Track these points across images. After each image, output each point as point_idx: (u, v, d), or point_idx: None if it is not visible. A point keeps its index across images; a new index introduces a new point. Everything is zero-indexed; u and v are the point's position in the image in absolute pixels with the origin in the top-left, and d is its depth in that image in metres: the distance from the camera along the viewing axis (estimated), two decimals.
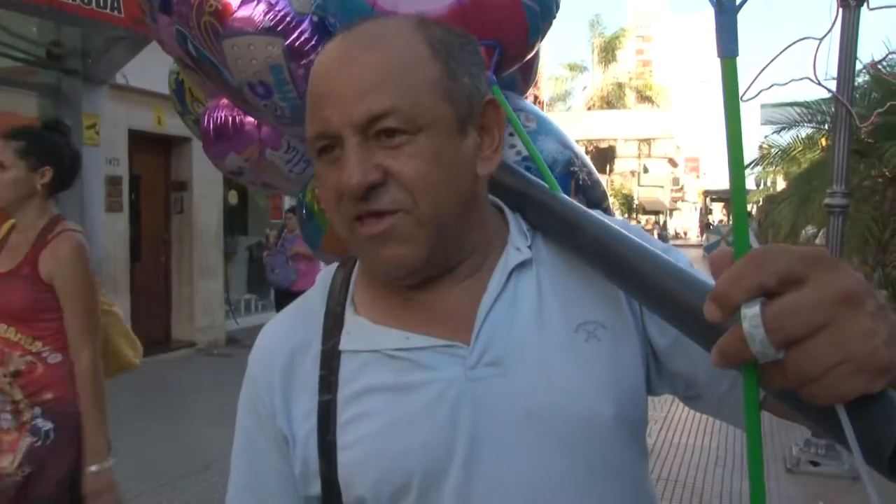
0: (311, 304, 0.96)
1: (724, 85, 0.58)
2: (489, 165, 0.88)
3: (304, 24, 1.74)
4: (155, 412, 6.76)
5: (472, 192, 0.87)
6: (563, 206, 0.93)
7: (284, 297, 7.90)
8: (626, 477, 0.87)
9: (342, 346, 0.89)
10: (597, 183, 1.85)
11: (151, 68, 8.29)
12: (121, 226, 8.48)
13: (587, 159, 1.90)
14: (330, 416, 0.87)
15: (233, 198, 10.80)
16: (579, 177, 1.80)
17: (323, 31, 1.76)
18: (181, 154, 9.63)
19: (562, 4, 1.71)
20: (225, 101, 2.13)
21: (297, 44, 1.75)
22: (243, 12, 1.71)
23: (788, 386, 0.53)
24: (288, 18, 1.72)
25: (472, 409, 0.82)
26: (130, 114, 8.52)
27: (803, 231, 7.62)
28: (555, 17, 1.55)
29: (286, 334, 0.95)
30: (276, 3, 1.72)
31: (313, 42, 1.77)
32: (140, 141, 8.85)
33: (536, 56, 1.87)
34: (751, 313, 0.51)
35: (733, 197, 0.58)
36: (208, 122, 2.23)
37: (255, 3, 1.71)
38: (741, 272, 0.53)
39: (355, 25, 0.87)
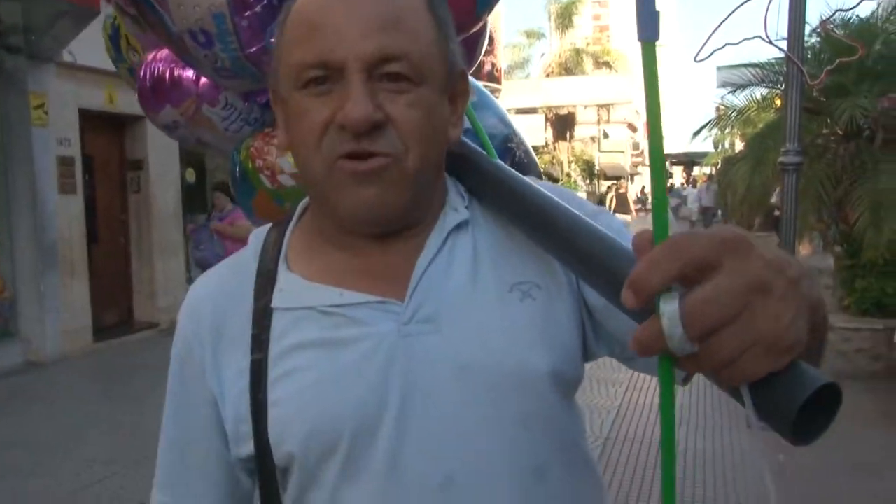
0: (243, 261, 0.94)
1: (645, 69, 0.57)
2: (456, 131, 0.90)
3: None
4: (119, 395, 6.69)
5: (444, 154, 0.89)
6: (497, 171, 0.94)
7: None
8: (560, 433, 0.88)
9: (274, 303, 0.87)
10: (533, 162, 1.90)
11: (100, 45, 8.04)
12: (75, 207, 8.31)
13: (524, 138, 1.92)
14: (261, 375, 0.85)
15: (190, 176, 10.64)
16: (516, 153, 1.82)
17: None
18: (135, 133, 9.43)
19: None
20: (163, 53, 2.09)
21: None
22: None
23: (701, 372, 0.56)
24: None
25: (405, 365, 0.82)
26: (80, 92, 8.31)
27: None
28: None
29: (217, 292, 0.93)
30: None
31: None
32: (92, 120, 8.66)
33: (483, 30, 1.86)
34: (669, 310, 0.52)
35: (652, 182, 0.57)
36: (145, 73, 2.16)
37: None
38: (658, 259, 0.53)
39: None
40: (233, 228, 7.49)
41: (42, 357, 7.79)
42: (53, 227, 7.92)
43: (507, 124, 1.80)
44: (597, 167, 37.38)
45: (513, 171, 0.94)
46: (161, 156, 9.53)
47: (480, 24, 1.58)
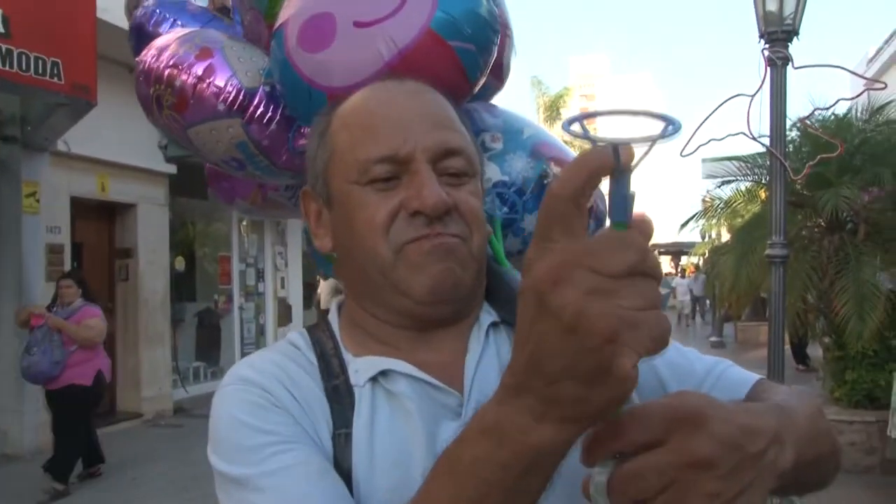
0: (292, 352, 0.92)
1: None
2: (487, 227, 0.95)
3: (258, 96, 1.81)
4: (99, 487, 6.48)
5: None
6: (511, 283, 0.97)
7: (48, 398, 6.33)
8: None
9: (353, 380, 0.87)
10: None
11: (94, 135, 8.22)
12: None
13: (567, 152, 1.85)
14: (347, 449, 0.83)
15: (179, 264, 10.63)
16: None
17: (277, 100, 1.81)
18: (125, 221, 9.47)
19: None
20: None
21: (255, 117, 1.82)
22: (197, 102, 1.79)
23: None
24: (241, 97, 1.79)
25: None
26: (72, 181, 8.38)
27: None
28: (495, 43, 1.56)
29: (277, 365, 0.88)
30: (227, 84, 1.78)
31: (270, 112, 1.82)
32: (83, 208, 8.70)
33: (506, 50, 1.87)
34: (598, 481, 0.56)
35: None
36: (212, 171, 2.38)
37: (207, 89, 1.77)
38: (602, 437, 0.56)
39: (397, 77, 0.96)
40: (79, 329, 6.13)
41: (19, 450, 7.56)
42: None
43: (539, 155, 1.76)
44: None
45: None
46: (150, 244, 9.55)
47: (474, 88, 1.62)
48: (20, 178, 7.66)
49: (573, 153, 1.89)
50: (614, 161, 0.52)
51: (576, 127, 0.57)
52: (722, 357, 0.99)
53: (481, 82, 1.61)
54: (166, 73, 1.77)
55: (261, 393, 0.83)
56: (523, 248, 1.86)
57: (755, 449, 0.58)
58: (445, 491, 0.61)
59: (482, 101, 1.86)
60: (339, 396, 0.86)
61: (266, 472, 0.77)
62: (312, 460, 0.79)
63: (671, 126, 0.57)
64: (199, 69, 1.76)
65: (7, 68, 6.12)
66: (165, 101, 1.79)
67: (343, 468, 0.82)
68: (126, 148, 8.86)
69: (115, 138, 8.58)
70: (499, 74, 1.89)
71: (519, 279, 0.97)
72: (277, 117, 1.80)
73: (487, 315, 0.93)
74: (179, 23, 2.15)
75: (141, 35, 2.23)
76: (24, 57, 6.24)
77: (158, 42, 1.86)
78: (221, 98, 1.76)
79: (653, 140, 0.57)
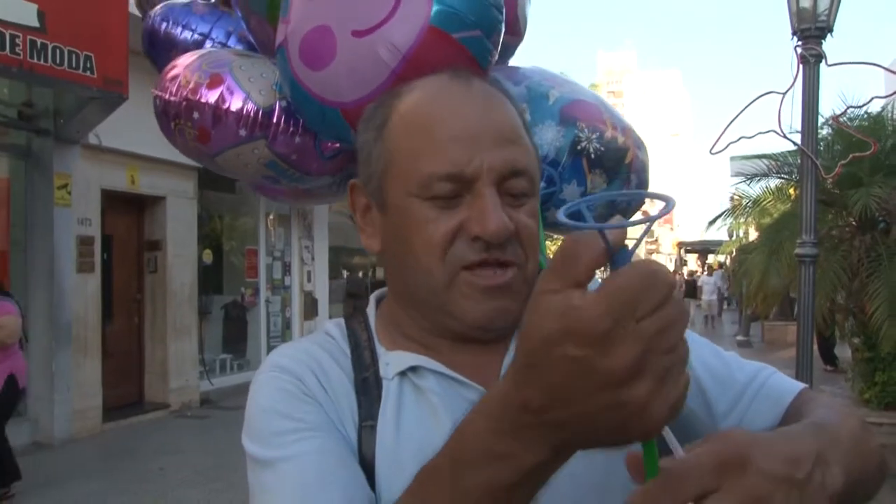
0: (327, 342, 0.93)
1: None
2: None
3: (276, 113, 1.79)
4: (127, 479, 6.57)
5: None
6: None
7: None
8: None
9: (383, 373, 0.88)
10: (611, 143, 1.78)
11: (125, 128, 8.30)
12: (92, 287, 8.36)
13: (602, 108, 1.77)
14: (371, 442, 0.84)
15: (207, 256, 10.73)
16: (588, 150, 1.73)
17: (295, 114, 1.80)
18: (154, 213, 9.58)
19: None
20: None
21: (278, 134, 1.81)
22: (219, 130, 1.78)
23: None
24: (260, 117, 1.77)
25: None
26: (103, 173, 8.48)
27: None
28: (501, 21, 1.50)
29: (311, 355, 0.90)
30: (243, 107, 1.76)
31: (291, 126, 1.82)
32: (113, 200, 8.80)
33: (517, 1, 1.81)
34: None
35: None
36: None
37: (225, 117, 1.76)
38: (657, 494, 0.55)
39: (459, 74, 0.89)
40: None
41: (50, 438, 7.70)
42: (69, 306, 7.95)
43: (571, 121, 1.72)
44: None
45: None
46: (179, 236, 9.65)
47: (489, 72, 1.58)
48: (52, 170, 7.77)
49: (607, 106, 1.83)
50: (604, 245, 0.52)
51: (573, 216, 0.57)
52: (747, 356, 0.98)
53: (494, 62, 1.56)
54: (183, 105, 1.77)
55: (292, 381, 0.86)
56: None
57: (802, 475, 0.59)
58: (463, 497, 0.61)
59: (502, 62, 1.79)
60: (368, 389, 0.87)
61: (287, 455, 0.79)
62: (333, 448, 0.81)
63: (666, 205, 0.57)
64: (212, 97, 1.74)
65: (41, 62, 6.21)
66: (188, 134, 1.78)
67: (366, 459, 0.83)
68: (156, 141, 8.83)
69: (145, 132, 8.60)
70: (515, 30, 1.83)
71: None
72: (300, 130, 1.78)
73: None
74: (192, 26, 2.15)
75: (154, 41, 2.24)
76: (57, 51, 6.33)
77: (170, 72, 1.85)
78: (241, 122, 1.74)
79: (645, 221, 0.57)
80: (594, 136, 1.73)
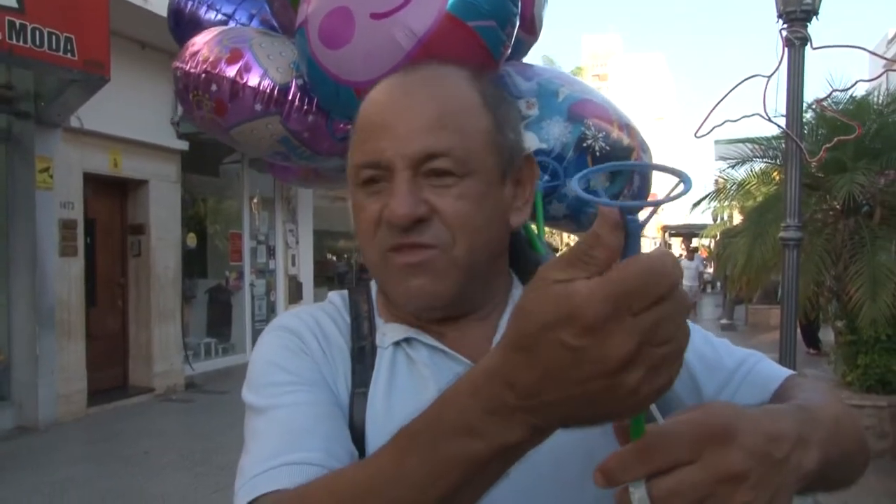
0: (330, 310, 0.99)
1: None
2: (520, 216, 0.94)
3: (292, 91, 1.85)
4: (112, 462, 6.56)
5: (503, 240, 0.93)
6: None
7: None
8: None
9: (378, 342, 0.93)
10: (616, 143, 1.81)
11: (107, 110, 8.23)
12: (75, 270, 8.30)
13: (610, 110, 1.80)
14: (362, 407, 0.88)
15: (191, 241, 10.67)
16: (594, 149, 1.77)
17: (310, 92, 1.83)
18: (138, 197, 9.50)
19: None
20: None
21: (292, 111, 1.86)
22: (235, 104, 1.83)
23: None
24: (276, 94, 1.82)
25: None
26: (85, 157, 8.40)
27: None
28: (516, 13, 1.55)
29: (315, 319, 0.96)
30: (260, 83, 1.81)
31: (306, 104, 1.86)
32: (95, 184, 8.73)
33: (535, 1, 1.84)
34: (638, 496, 0.56)
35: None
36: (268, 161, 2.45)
37: (242, 91, 1.79)
38: (629, 461, 0.56)
39: (413, 67, 0.94)
40: None
41: (34, 422, 7.66)
42: (52, 290, 7.89)
43: (578, 118, 1.75)
44: None
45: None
46: (162, 220, 9.58)
47: (500, 64, 1.60)
48: (33, 153, 7.68)
49: (614, 106, 1.85)
50: (622, 242, 0.53)
51: (584, 183, 0.58)
52: (730, 339, 0.99)
53: (508, 52, 1.60)
54: (202, 78, 1.82)
55: (293, 339, 0.92)
56: (568, 213, 1.84)
57: (780, 455, 0.60)
58: (422, 473, 0.60)
59: (516, 58, 1.83)
60: (363, 356, 0.92)
61: (279, 404, 0.84)
62: (323, 403, 0.86)
63: (684, 184, 0.58)
64: (231, 72, 1.80)
65: (21, 44, 6.12)
66: (205, 106, 1.83)
67: (356, 425, 0.87)
68: (138, 124, 8.88)
69: (127, 114, 8.60)
70: (531, 28, 1.87)
71: None
72: (314, 108, 1.83)
73: None
74: (217, 6, 2.18)
75: (179, 20, 2.27)
76: (37, 32, 6.24)
77: (192, 47, 1.90)
78: (257, 97, 1.79)
79: (659, 203, 0.58)
80: (600, 135, 1.77)
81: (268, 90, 1.80)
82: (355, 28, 1.47)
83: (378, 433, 0.84)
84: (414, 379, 0.90)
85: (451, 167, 0.84)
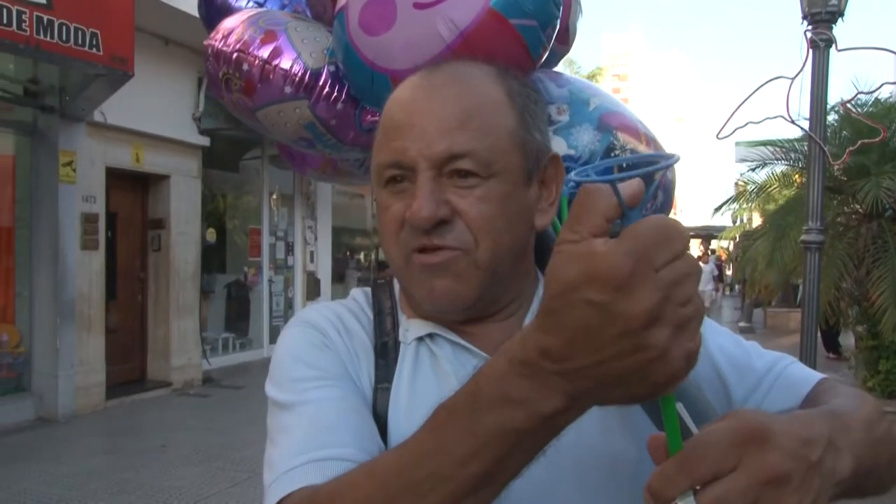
0: (354, 307, 0.99)
1: None
2: (546, 218, 0.92)
3: (323, 77, 1.84)
4: (129, 455, 6.61)
5: (527, 241, 0.92)
6: None
7: None
8: None
9: (401, 338, 0.93)
10: (644, 160, 1.80)
11: (130, 105, 8.30)
12: (96, 264, 8.37)
13: (639, 125, 1.80)
14: (385, 402, 0.88)
15: (210, 236, 10.73)
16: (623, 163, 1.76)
17: (342, 79, 1.83)
18: (158, 191, 9.57)
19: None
20: None
21: (321, 97, 1.85)
22: (265, 85, 1.83)
23: None
24: (307, 78, 1.82)
25: None
26: (108, 151, 8.47)
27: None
28: (557, 17, 1.55)
29: (337, 315, 0.96)
30: (292, 66, 1.81)
31: (336, 91, 1.85)
32: (117, 178, 8.79)
33: (570, 12, 1.84)
34: None
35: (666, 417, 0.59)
36: (285, 147, 2.51)
37: (273, 72, 1.79)
38: (672, 475, 0.55)
39: (439, 65, 0.93)
40: None
41: (54, 414, 7.74)
42: (73, 283, 7.97)
43: (608, 128, 1.74)
44: None
45: None
46: (183, 215, 9.64)
47: (537, 65, 1.60)
48: (57, 147, 7.76)
49: (642, 121, 1.85)
50: (617, 199, 0.54)
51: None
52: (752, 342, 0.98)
53: (545, 56, 1.60)
54: (234, 56, 1.81)
55: (317, 335, 0.92)
56: None
57: (815, 458, 0.59)
58: (463, 447, 0.60)
59: (548, 67, 1.83)
60: (386, 352, 0.92)
61: (306, 400, 0.84)
62: (349, 397, 0.86)
63: (672, 157, 0.61)
64: (264, 53, 1.79)
65: (48, 39, 6.18)
66: (234, 85, 1.83)
67: (379, 419, 0.87)
68: (161, 120, 8.95)
69: (150, 110, 8.66)
70: (564, 39, 1.87)
71: None
72: (343, 97, 1.82)
73: None
74: None
75: (210, 6, 2.27)
76: (64, 28, 6.30)
77: (226, 24, 1.90)
78: (288, 80, 1.79)
79: (646, 171, 0.59)
80: (628, 148, 1.76)
81: (298, 74, 1.80)
82: (397, 16, 1.47)
83: (401, 428, 0.85)
84: (437, 374, 0.90)
85: (474, 168, 0.84)
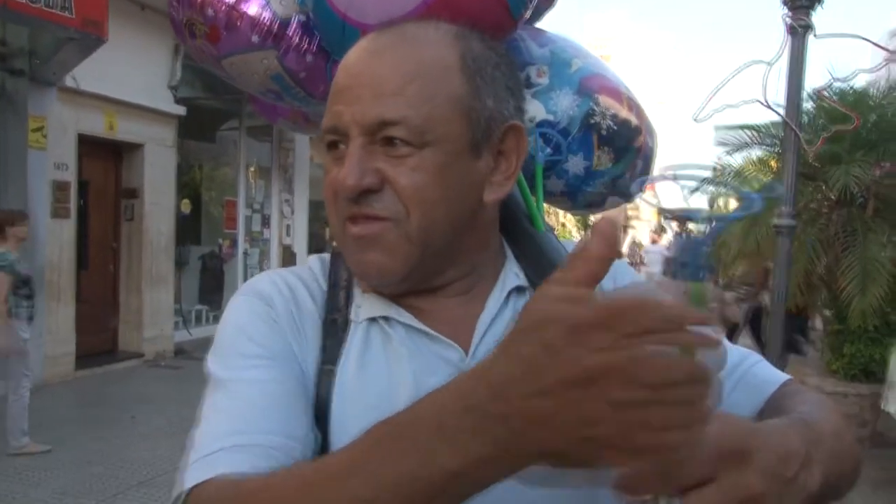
0: (307, 276, 0.94)
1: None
2: (498, 192, 0.87)
3: (293, 27, 1.75)
4: (99, 425, 6.57)
5: (473, 215, 0.86)
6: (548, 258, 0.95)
7: None
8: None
9: (352, 316, 0.89)
10: (623, 123, 1.76)
11: (104, 71, 8.16)
12: (67, 232, 8.27)
13: (622, 88, 1.76)
14: (329, 386, 0.84)
15: (185, 206, 10.63)
16: (601, 127, 1.71)
17: (312, 30, 1.75)
18: (132, 160, 9.44)
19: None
20: None
21: (290, 48, 1.77)
22: (230, 33, 1.74)
23: None
24: (276, 28, 1.73)
25: None
26: (80, 118, 8.33)
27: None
28: None
29: (289, 286, 0.91)
30: (260, 15, 1.72)
31: (306, 43, 1.77)
32: (90, 145, 8.66)
33: None
34: None
35: None
36: (256, 99, 2.47)
37: (240, 19, 1.72)
38: (647, 479, 0.54)
39: (390, 26, 0.88)
40: None
41: None
42: (42, 251, 7.86)
43: (587, 92, 1.69)
44: (591, 220, 37.49)
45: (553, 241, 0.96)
46: (157, 185, 9.53)
47: (518, 25, 1.55)
48: (27, 112, 7.60)
49: (625, 84, 1.81)
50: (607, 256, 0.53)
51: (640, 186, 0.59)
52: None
53: (526, 17, 1.54)
54: (198, 2, 1.72)
55: (264, 307, 0.87)
56: (566, 191, 1.80)
57: (790, 474, 0.60)
58: (400, 467, 0.56)
59: (530, 23, 1.78)
60: (335, 331, 0.88)
61: (242, 378, 0.80)
62: (287, 381, 0.82)
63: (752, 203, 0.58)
64: None
65: None
66: (198, 31, 1.74)
67: (321, 401, 0.83)
68: (135, 87, 8.80)
69: (124, 77, 8.52)
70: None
71: (553, 243, 0.96)
72: (314, 48, 1.74)
73: (515, 278, 0.91)
74: None
75: None
76: None
77: None
78: (255, 29, 1.71)
79: (731, 218, 0.59)
80: (609, 114, 1.72)
81: (267, 22, 1.71)
82: None
83: (344, 414, 0.82)
84: (388, 356, 0.86)
85: (406, 136, 0.80)
